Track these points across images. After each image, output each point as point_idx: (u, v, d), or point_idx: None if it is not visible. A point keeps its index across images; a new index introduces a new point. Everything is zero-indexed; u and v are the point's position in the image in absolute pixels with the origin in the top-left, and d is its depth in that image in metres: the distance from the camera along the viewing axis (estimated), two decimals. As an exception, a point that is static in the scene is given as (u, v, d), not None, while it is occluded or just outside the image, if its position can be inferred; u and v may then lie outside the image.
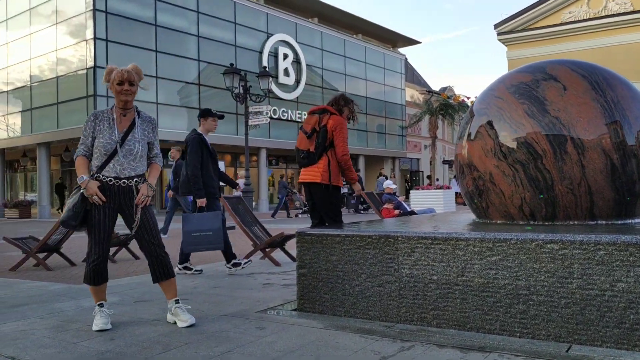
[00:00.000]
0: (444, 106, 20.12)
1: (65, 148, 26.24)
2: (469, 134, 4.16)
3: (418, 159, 40.31)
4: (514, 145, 3.78)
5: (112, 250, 7.99)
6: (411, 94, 38.77)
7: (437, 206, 14.66)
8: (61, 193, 27.02)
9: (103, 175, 3.62)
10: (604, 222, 3.75)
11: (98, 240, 3.64)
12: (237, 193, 7.47)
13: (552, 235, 3.13)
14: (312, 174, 5.14)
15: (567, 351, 2.91)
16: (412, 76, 47.54)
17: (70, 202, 3.63)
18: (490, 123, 3.96)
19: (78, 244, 10.04)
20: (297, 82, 29.52)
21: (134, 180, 3.69)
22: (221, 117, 6.37)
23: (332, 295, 3.90)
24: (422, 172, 39.62)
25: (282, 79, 28.53)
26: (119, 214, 3.73)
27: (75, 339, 3.43)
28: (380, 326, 3.53)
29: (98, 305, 3.73)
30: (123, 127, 3.70)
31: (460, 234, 3.42)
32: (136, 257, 7.90)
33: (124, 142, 3.65)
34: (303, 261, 4.05)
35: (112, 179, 3.63)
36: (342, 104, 5.33)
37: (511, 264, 3.22)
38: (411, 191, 15.34)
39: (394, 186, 12.47)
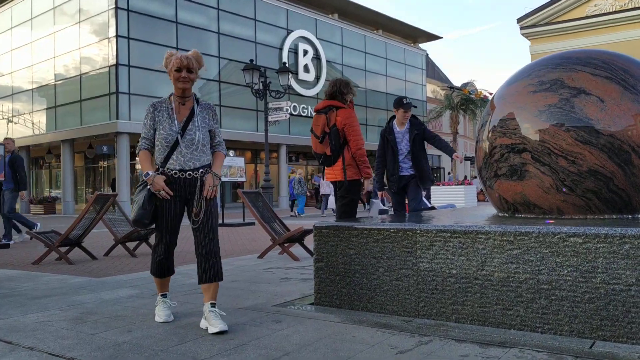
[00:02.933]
0: (465, 101, 19.88)
1: (89, 145, 26.60)
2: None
3: (439, 156, 39.96)
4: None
5: (133, 244, 8.06)
6: (432, 89, 38.43)
7: (458, 202, 14.50)
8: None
9: (168, 169, 3.46)
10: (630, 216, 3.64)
11: (165, 234, 3.53)
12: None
13: (576, 228, 3.04)
14: (333, 173, 5.16)
15: (590, 347, 2.82)
16: (434, 72, 47.15)
17: (138, 199, 3.47)
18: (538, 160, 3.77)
19: (99, 238, 10.15)
20: (317, 78, 29.49)
21: (199, 171, 3.49)
22: None
23: (349, 289, 3.85)
24: (444, 168, 39.29)
25: (302, 75, 28.52)
26: (185, 207, 3.59)
27: (93, 330, 3.44)
28: (398, 320, 3.48)
29: (161, 295, 3.71)
30: (182, 117, 3.51)
31: (481, 227, 3.34)
32: (156, 252, 7.94)
33: (185, 132, 3.46)
34: (320, 255, 4.01)
35: (177, 172, 3.46)
36: (345, 91, 5.17)
37: (533, 257, 3.14)
38: (432, 187, 15.21)
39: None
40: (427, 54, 38.88)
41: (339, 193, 5.12)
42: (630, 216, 3.69)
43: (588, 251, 2.98)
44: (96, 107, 22.69)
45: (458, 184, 15.83)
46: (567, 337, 3.00)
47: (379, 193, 6.26)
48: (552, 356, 2.70)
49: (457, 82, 48.13)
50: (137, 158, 3.49)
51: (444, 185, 16.30)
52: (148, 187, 3.43)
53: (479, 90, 22.94)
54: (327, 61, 30.14)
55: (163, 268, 3.61)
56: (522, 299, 3.17)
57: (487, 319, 3.28)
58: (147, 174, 3.42)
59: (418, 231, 3.56)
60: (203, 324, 3.42)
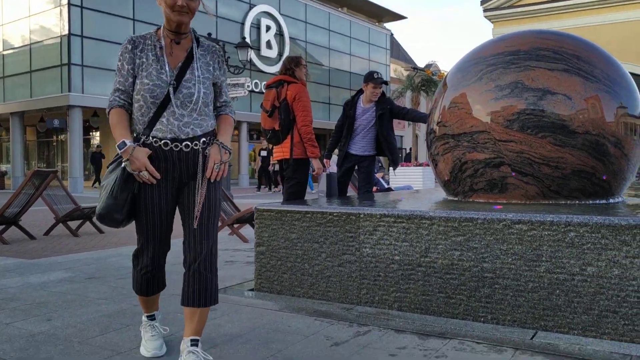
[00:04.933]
0: (427, 82, 19.83)
1: (40, 118, 25.57)
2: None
3: (401, 136, 40.12)
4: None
5: (75, 224, 7.69)
6: (395, 68, 38.38)
7: (417, 183, 14.50)
8: (98, 165, 22.84)
9: (154, 138, 2.34)
10: (577, 202, 3.56)
11: (151, 237, 2.44)
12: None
13: (521, 215, 2.93)
14: (282, 151, 4.91)
15: (532, 338, 2.73)
16: (398, 52, 47.06)
17: (107, 184, 2.38)
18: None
19: (40, 216, 9.69)
20: (280, 55, 28.97)
21: (201, 142, 2.40)
22: None
23: (290, 274, 3.68)
24: (405, 149, 39.48)
25: (265, 51, 27.98)
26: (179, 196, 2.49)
27: (9, 318, 3.17)
28: (339, 308, 3.33)
29: (147, 317, 2.63)
30: (176, 61, 2.41)
31: (425, 212, 3.20)
32: (101, 231, 7.61)
33: (180, 83, 2.37)
34: (261, 239, 3.81)
35: (169, 142, 2.34)
36: (293, 66, 4.88)
37: (477, 245, 3.02)
38: (390, 168, 15.15)
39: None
40: (392, 34, 38.70)
41: (286, 174, 4.89)
42: (604, 201, 3.65)
43: (533, 239, 2.87)
44: (47, 78, 21.71)
45: (417, 165, 15.82)
46: (509, 327, 2.90)
47: (325, 161, 5.88)
48: (492, 348, 2.59)
49: (420, 63, 48.23)
50: (99, 129, 2.60)
51: (402, 166, 16.26)
52: (123, 164, 2.33)
53: (441, 71, 22.93)
54: (291, 38, 29.62)
55: (151, 285, 2.54)
56: (466, 288, 3.05)
57: (430, 307, 3.16)
58: (123, 144, 2.29)
59: (362, 215, 3.40)
60: None
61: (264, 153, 19.36)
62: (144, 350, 2.57)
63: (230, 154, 2.44)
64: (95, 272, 4.59)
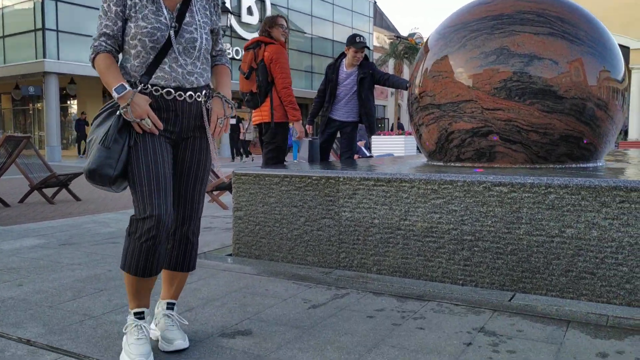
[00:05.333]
0: (409, 50, 19.63)
1: (15, 85, 24.92)
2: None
3: (384, 106, 40.01)
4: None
5: (52, 191, 7.54)
6: (378, 36, 37.98)
7: (398, 152, 14.48)
8: (83, 133, 21.86)
9: (154, 85, 2.09)
10: (561, 166, 3.54)
11: (157, 186, 2.03)
12: None
13: (502, 177, 2.89)
14: (260, 115, 4.78)
15: (510, 300, 2.72)
16: (381, 21, 46.54)
17: (95, 138, 2.05)
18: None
19: (15, 184, 9.48)
20: (261, 21, 28.47)
21: (203, 92, 2.18)
22: None
23: (269, 239, 3.62)
24: (388, 119, 39.40)
25: (245, 17, 27.43)
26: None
27: (-21, 284, 3.09)
28: (317, 272, 3.29)
29: (135, 315, 2.11)
30: (174, 3, 2.16)
31: (405, 175, 3.15)
32: (77, 199, 7.47)
33: (181, 27, 2.13)
34: (239, 203, 3.74)
35: (172, 91, 2.10)
36: (268, 28, 4.73)
37: (457, 207, 2.98)
38: (372, 137, 15.12)
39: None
40: (375, 2, 38.18)
41: (265, 138, 4.78)
42: (592, 164, 3.65)
43: (513, 201, 2.84)
44: (21, 44, 21.07)
45: (399, 134, 15.80)
46: (488, 290, 2.90)
47: (307, 127, 5.83)
48: (470, 310, 2.58)
49: (404, 32, 47.84)
50: (94, 69, 2.12)
51: (384, 135, 16.22)
52: (120, 112, 2.02)
53: (425, 40, 22.75)
54: (272, 4, 29.05)
55: (152, 257, 2.04)
56: (445, 250, 3.03)
57: (409, 270, 3.14)
58: (122, 87, 2.01)
59: (341, 179, 3.34)
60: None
61: (232, 121, 18.93)
62: (164, 345, 2.15)
63: (233, 108, 2.24)
64: (70, 238, 4.50)
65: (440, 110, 3.69)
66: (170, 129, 2.13)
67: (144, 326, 2.09)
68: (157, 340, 2.20)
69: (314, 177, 3.43)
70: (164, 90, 2.09)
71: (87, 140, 2.12)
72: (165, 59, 2.10)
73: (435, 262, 3.06)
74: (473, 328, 2.34)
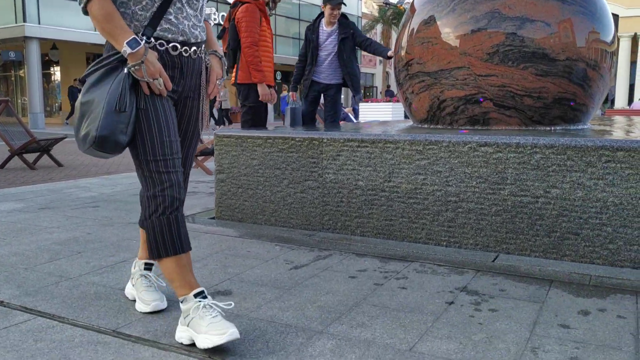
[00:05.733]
0: (398, 15, 19.32)
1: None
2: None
3: (373, 74, 39.67)
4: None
5: (32, 156, 7.40)
6: (366, 1, 37.39)
7: (386, 119, 14.39)
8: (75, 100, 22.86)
9: (159, 39, 1.84)
10: (548, 128, 3.50)
11: (172, 161, 1.83)
12: None
13: (487, 137, 2.84)
14: (233, 76, 4.63)
15: (493, 261, 2.71)
16: (370, -13, 45.73)
17: (97, 100, 1.76)
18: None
19: None
20: (248, -13, 27.85)
21: (203, 47, 2.01)
22: None
23: (252, 202, 3.57)
24: (376, 87, 39.12)
25: (232, -18, 26.82)
26: None
27: (-47, 247, 3.01)
28: (301, 235, 3.25)
29: (196, 297, 1.83)
30: None
31: (389, 136, 3.09)
32: (59, 164, 7.34)
33: None
34: (222, 166, 3.67)
35: (178, 46, 1.87)
36: None
37: (441, 168, 2.94)
38: (360, 104, 15.00)
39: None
40: (364, -33, 37.46)
41: (239, 99, 4.64)
42: (583, 125, 3.62)
43: (498, 161, 2.80)
44: (0, 7, 20.49)
45: (386, 101, 15.68)
46: (472, 251, 2.88)
47: (291, 93, 5.74)
48: (453, 270, 2.56)
49: (393, -1, 47.15)
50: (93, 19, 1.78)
51: (372, 102, 16.10)
52: (128, 69, 1.76)
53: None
54: (259, -31, 28.41)
55: (183, 228, 1.85)
56: (429, 212, 2.99)
57: (393, 232, 3.11)
58: (135, 42, 1.73)
59: (325, 140, 3.27)
60: (129, 292, 2.21)
61: None
62: (141, 306, 2.06)
63: (225, 68, 2.13)
64: (50, 202, 4.41)
65: (431, 78, 3.60)
66: (174, 88, 1.91)
67: (150, 275, 2.13)
68: (134, 301, 2.15)
69: (297, 139, 3.36)
70: (170, 45, 1.85)
71: (82, 102, 1.79)
72: (170, 9, 1.84)
73: (419, 223, 3.03)
74: (455, 288, 2.32)
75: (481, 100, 3.44)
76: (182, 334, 1.81)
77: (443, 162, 2.93)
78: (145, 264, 2.19)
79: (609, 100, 24.31)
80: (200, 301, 1.79)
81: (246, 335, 1.84)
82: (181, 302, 1.84)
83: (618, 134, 3.25)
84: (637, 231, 2.54)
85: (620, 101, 25.74)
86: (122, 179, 5.81)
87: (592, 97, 3.50)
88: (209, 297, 1.84)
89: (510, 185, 2.78)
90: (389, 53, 5.11)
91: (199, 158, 6.62)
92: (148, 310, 2.06)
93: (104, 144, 1.73)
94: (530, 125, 3.45)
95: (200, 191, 5.01)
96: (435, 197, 2.97)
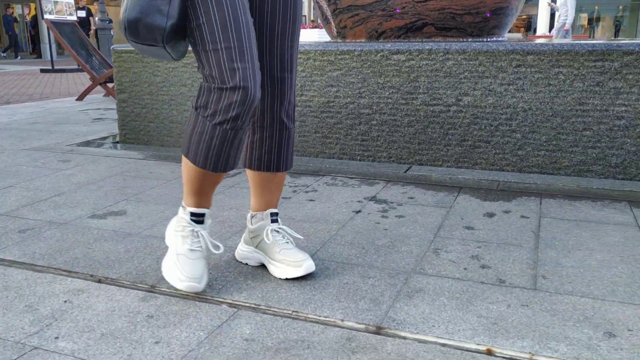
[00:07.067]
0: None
1: None
2: None
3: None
4: None
5: None
6: None
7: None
8: (12, 31, 19.82)
9: None
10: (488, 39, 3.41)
11: (241, 51, 1.28)
12: None
13: (400, 44, 2.72)
14: None
15: (405, 172, 2.65)
16: None
17: None
18: None
19: None
20: None
21: None
22: None
23: (158, 123, 3.33)
24: (305, 16, 38.09)
25: None
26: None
27: None
28: (210, 155, 3.08)
29: (192, 216, 1.47)
30: None
31: (300, 46, 2.91)
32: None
33: None
34: (122, 84, 3.38)
35: None
36: None
37: (354, 79, 2.81)
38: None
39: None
40: None
41: None
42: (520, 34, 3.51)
43: (411, 70, 2.70)
44: None
45: (312, 28, 15.27)
46: (386, 163, 2.82)
47: None
48: (364, 181, 2.49)
49: None
50: None
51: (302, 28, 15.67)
52: None
53: None
54: None
55: (231, 149, 1.37)
56: (342, 126, 2.88)
57: (306, 149, 2.99)
58: None
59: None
60: (244, 254, 1.61)
61: (81, 13, 14.83)
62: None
63: None
64: None
65: (366, 11, 3.36)
66: None
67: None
68: (258, 266, 1.60)
69: (202, 52, 3.12)
70: None
71: None
72: None
73: (333, 138, 2.92)
74: (364, 197, 2.25)
75: (397, 10, 3.28)
76: (167, 235, 1.54)
77: (355, 73, 2.80)
78: (272, 214, 1.57)
79: (532, 29, 24.87)
80: (191, 223, 1.46)
81: (136, 253, 1.70)
82: (181, 206, 1.50)
83: (529, 41, 3.22)
84: (544, 137, 2.54)
85: (542, 29, 26.40)
86: (22, 108, 5.35)
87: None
88: (208, 222, 1.49)
89: (422, 94, 2.70)
90: None
91: (108, 84, 6.20)
92: (299, 274, 1.47)
93: (135, 29, 1.27)
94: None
95: (108, 117, 4.68)
96: (349, 110, 2.85)
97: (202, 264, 1.44)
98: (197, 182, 1.42)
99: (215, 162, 1.37)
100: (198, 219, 1.46)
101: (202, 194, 1.45)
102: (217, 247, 1.68)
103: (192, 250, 1.45)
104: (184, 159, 1.42)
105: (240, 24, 1.28)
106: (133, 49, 3.26)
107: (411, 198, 2.23)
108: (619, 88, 2.40)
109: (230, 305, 1.37)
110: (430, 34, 3.29)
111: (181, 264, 1.43)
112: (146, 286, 1.47)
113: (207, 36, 1.28)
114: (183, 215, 1.48)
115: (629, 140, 2.42)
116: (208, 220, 1.48)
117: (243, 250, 1.62)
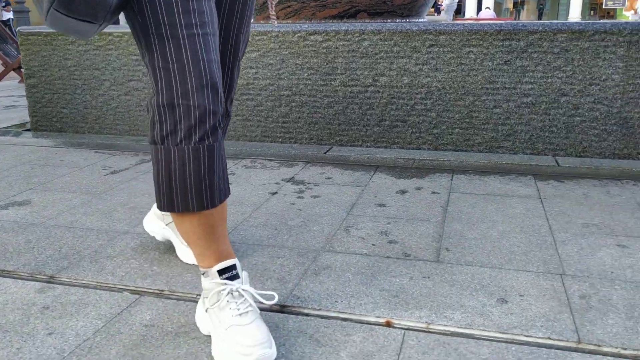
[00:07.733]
0: None
1: None
2: None
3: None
4: None
5: None
6: None
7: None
8: None
9: None
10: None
11: (205, 46, 1.03)
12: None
13: (316, 25, 2.71)
14: None
15: (325, 153, 2.67)
16: None
17: None
18: None
19: None
20: None
21: None
22: None
23: (71, 108, 3.19)
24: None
25: None
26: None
27: None
28: (128, 141, 2.98)
29: (221, 274, 1.10)
30: None
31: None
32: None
33: None
34: (31, 69, 3.21)
35: None
36: None
37: (273, 60, 2.78)
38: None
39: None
40: None
41: None
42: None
43: (328, 50, 2.70)
44: None
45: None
46: (306, 145, 2.82)
47: None
48: (284, 164, 2.48)
49: None
50: None
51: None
52: None
53: None
54: None
55: (220, 166, 1.11)
56: (263, 108, 2.86)
57: (227, 132, 2.95)
58: None
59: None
60: (201, 324, 1.17)
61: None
62: (235, 355, 1.02)
63: None
64: None
65: (299, 2, 3.30)
66: None
67: (246, 289, 1.09)
68: (165, 252, 1.54)
69: (115, 34, 3.00)
70: None
71: None
72: None
73: (254, 121, 2.89)
74: (282, 179, 2.24)
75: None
76: (201, 323, 1.16)
77: (274, 54, 2.77)
78: (220, 271, 1.11)
79: (462, 12, 25.50)
80: (225, 282, 1.09)
81: (37, 243, 1.62)
82: (202, 274, 1.14)
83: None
84: (457, 115, 2.62)
85: (471, 11, 27.11)
86: None
87: None
88: (243, 274, 1.12)
89: (340, 75, 2.71)
90: None
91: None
92: None
93: (71, 3, 0.96)
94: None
95: (22, 104, 4.45)
96: (268, 92, 2.83)
97: (261, 324, 1.06)
98: (201, 229, 1.11)
99: (207, 194, 1.08)
100: (230, 274, 1.10)
101: (213, 240, 1.12)
102: (271, 297, 1.17)
103: (241, 314, 1.06)
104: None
105: (202, 12, 1.04)
106: (41, 31, 3.10)
107: (328, 178, 2.25)
108: (525, 66, 2.49)
109: (133, 292, 1.33)
110: (364, 20, 3.29)
111: (237, 337, 1.03)
112: (45, 277, 1.41)
113: (163, 21, 1.01)
114: (209, 283, 1.11)
115: (535, 116, 2.53)
116: (243, 273, 1.12)
117: (150, 223, 1.56)
